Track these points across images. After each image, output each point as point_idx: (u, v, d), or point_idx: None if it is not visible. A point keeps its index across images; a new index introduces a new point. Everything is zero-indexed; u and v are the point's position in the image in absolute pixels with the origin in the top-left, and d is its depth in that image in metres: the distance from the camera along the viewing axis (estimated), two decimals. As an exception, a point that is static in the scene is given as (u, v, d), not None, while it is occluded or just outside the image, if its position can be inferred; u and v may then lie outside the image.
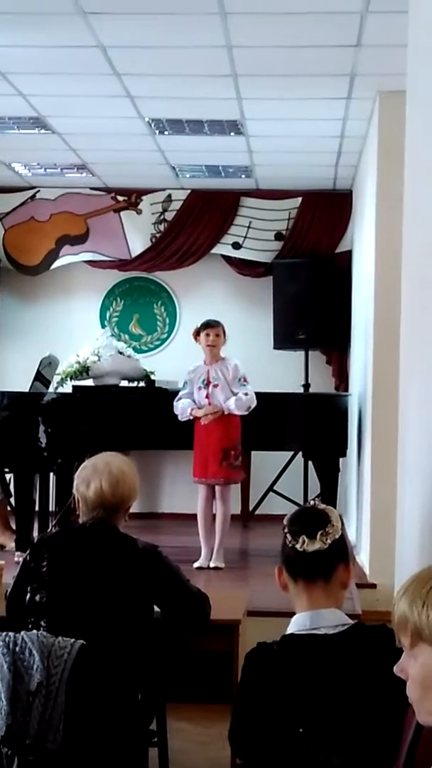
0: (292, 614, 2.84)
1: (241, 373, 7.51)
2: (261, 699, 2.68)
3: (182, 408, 7.51)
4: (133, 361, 9.35)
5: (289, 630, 2.78)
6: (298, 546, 2.76)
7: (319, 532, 2.77)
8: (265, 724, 2.67)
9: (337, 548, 2.80)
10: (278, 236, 10.29)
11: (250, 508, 9.88)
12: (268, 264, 10.35)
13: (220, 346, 7.52)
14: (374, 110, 7.15)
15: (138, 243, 10.44)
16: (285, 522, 2.84)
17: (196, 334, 7.56)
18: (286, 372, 10.09)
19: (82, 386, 8.72)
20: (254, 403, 7.45)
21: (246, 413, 7.47)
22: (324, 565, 2.78)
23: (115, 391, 8.80)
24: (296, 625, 2.77)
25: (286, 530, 2.81)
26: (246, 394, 7.43)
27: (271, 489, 9.96)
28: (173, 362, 9.64)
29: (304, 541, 2.76)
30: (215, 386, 7.45)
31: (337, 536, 2.79)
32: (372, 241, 7.14)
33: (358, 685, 2.63)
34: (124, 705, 3.48)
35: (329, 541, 2.77)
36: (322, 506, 2.88)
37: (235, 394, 7.42)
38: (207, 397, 7.46)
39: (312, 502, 2.92)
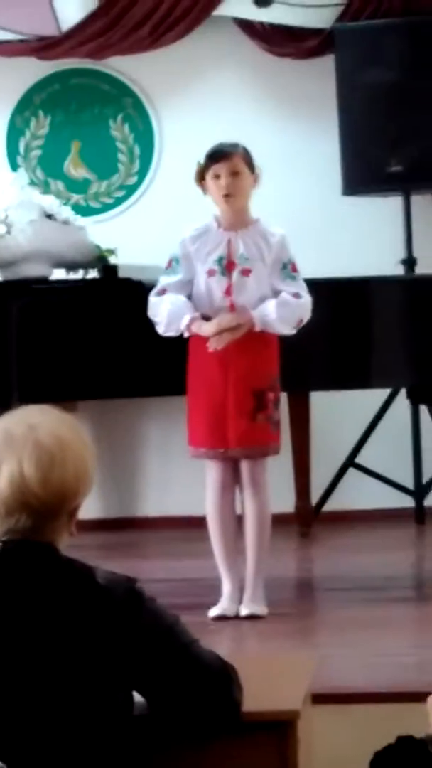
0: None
1: (289, 255, 5.64)
2: None
3: (172, 313, 5.59)
4: (75, 230, 7.10)
5: None
6: None
7: None
8: None
9: None
10: (341, -22, 7.30)
11: (313, 502, 7.19)
12: (324, 32, 7.17)
13: (246, 193, 5.61)
14: None
15: (74, 6, 7.48)
16: None
17: (200, 176, 5.61)
18: (367, 237, 7.33)
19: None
20: (309, 315, 5.70)
21: (294, 332, 5.67)
22: None
23: (42, 289, 6.81)
24: None
25: None
26: (297, 295, 5.59)
27: (351, 463, 7.26)
28: (149, 231, 7.23)
29: None
30: (244, 272, 5.51)
31: None
32: None
33: None
34: None
35: None
36: None
37: (276, 294, 5.55)
38: (228, 292, 5.56)
39: None
